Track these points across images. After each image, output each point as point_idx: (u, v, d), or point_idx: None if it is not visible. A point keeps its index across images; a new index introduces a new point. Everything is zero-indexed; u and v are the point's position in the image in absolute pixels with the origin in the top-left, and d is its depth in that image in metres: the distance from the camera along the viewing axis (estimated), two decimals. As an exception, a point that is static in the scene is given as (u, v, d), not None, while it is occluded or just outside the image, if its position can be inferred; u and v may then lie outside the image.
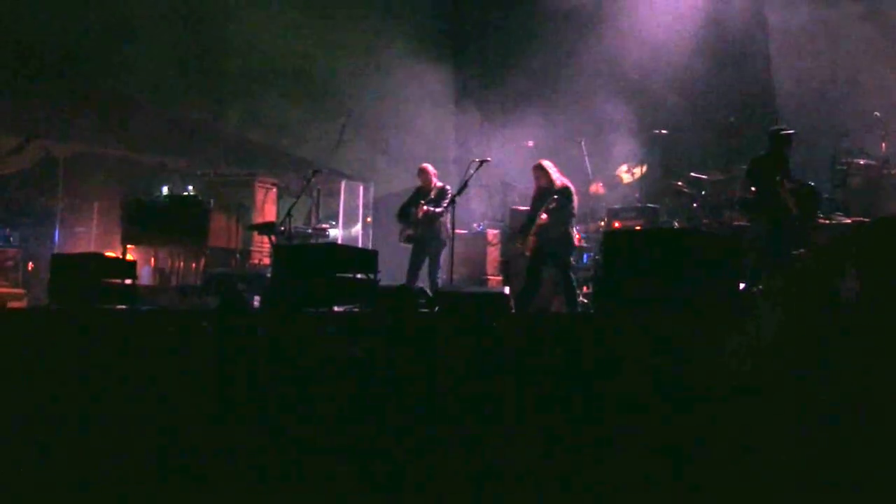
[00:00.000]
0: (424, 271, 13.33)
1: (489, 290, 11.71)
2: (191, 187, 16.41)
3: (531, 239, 12.24)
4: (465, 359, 5.16)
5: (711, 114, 14.25)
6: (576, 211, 12.44)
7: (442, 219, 13.04)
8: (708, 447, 3.56)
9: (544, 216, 12.08)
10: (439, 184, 13.44)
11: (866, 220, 11.12)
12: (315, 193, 16.13)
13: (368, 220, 16.98)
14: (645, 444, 3.36)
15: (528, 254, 12.32)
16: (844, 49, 13.89)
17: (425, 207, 13.19)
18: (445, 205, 12.85)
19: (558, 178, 12.31)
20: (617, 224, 13.82)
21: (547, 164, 12.45)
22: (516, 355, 5.72)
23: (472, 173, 12.52)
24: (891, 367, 3.22)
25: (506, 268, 14.31)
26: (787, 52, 14.90)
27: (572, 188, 12.32)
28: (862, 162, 12.37)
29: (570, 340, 6.46)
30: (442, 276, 13.01)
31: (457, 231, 12.93)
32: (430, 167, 13.62)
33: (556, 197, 12.02)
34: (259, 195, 16.15)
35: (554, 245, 12.12)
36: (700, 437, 3.28)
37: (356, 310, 9.71)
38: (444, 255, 12.93)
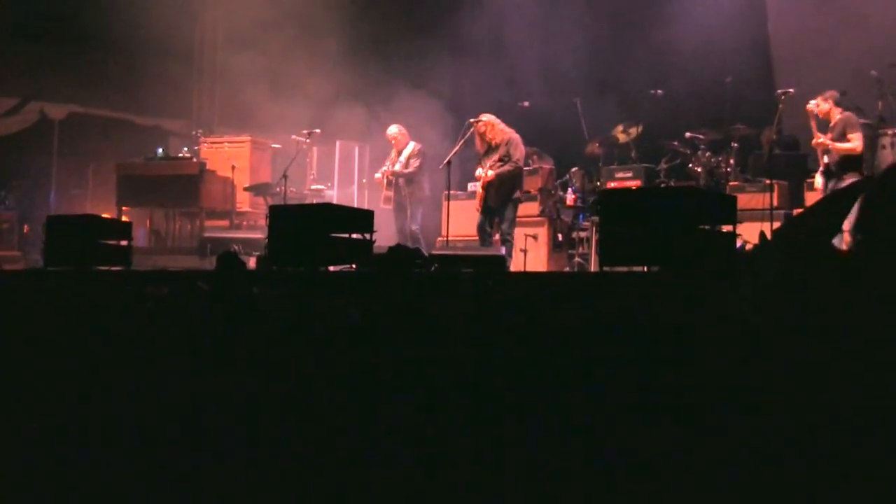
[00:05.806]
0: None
1: (485, 251, 11.69)
2: (186, 149, 16.35)
3: (479, 193, 12.41)
4: (462, 317, 5.17)
5: (707, 74, 14.16)
6: (521, 162, 12.54)
7: (416, 179, 13.28)
8: (712, 402, 3.59)
9: (491, 173, 12.18)
10: (410, 143, 13.56)
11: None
12: (310, 155, 16.10)
13: (364, 181, 16.93)
14: (646, 399, 3.38)
15: (477, 210, 12.50)
16: (842, 6, 13.82)
17: (384, 170, 13.54)
18: (416, 166, 13.13)
19: (500, 133, 12.41)
20: (613, 184, 13.82)
21: (489, 118, 12.50)
22: (515, 314, 5.73)
23: (468, 134, 12.51)
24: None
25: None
26: (785, 9, 14.85)
27: (515, 139, 12.43)
28: (861, 121, 12.32)
29: (569, 300, 6.46)
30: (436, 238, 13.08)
31: (453, 192, 12.94)
32: (395, 130, 13.71)
33: (500, 154, 12.22)
34: (254, 156, 16.10)
35: (499, 196, 12.28)
36: (703, 391, 3.30)
37: (353, 268, 9.73)
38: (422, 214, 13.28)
